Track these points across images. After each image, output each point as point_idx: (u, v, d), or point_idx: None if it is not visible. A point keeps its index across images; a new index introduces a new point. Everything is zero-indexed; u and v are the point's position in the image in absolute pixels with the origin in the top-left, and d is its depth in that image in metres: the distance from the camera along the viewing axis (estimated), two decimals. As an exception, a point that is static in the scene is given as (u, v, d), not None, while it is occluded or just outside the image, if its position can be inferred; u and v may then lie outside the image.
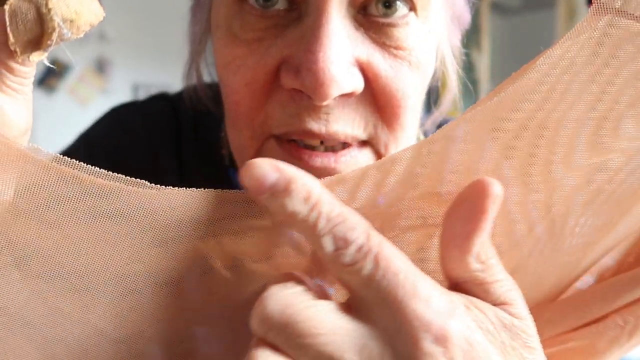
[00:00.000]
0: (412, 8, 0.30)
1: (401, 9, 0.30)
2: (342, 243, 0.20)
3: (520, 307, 0.23)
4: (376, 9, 0.30)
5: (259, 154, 0.32)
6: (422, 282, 0.20)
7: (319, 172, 0.28)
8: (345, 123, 0.30)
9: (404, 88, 0.30)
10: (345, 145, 0.31)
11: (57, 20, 0.21)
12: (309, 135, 0.30)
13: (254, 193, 0.21)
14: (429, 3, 0.31)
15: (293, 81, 0.29)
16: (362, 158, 0.31)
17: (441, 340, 0.20)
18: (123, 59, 2.71)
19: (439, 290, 0.21)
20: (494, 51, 2.73)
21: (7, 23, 0.21)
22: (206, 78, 0.45)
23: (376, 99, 0.31)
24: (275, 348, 0.20)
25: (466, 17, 0.39)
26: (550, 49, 0.23)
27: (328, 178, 0.23)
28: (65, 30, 0.21)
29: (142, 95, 2.79)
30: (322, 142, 0.30)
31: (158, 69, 2.82)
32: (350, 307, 0.21)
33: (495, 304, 0.22)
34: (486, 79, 2.68)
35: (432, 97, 0.42)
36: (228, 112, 0.33)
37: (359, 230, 0.20)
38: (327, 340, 0.20)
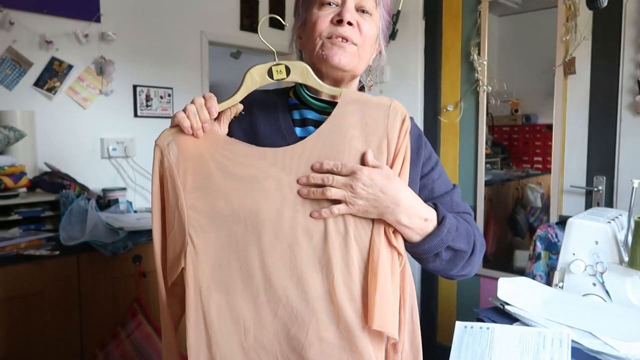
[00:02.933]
0: (368, 11, 0.98)
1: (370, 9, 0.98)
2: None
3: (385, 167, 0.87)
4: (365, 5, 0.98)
5: (322, 48, 0.95)
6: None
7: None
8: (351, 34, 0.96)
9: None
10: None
11: None
12: (340, 36, 0.94)
13: None
14: (375, 9, 0.98)
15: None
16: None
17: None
18: (123, 59, 2.71)
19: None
20: (494, 51, 2.74)
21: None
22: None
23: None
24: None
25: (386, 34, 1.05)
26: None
27: None
28: None
29: (142, 95, 2.79)
30: (346, 40, 0.94)
31: (158, 69, 2.82)
32: None
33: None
34: (486, 79, 2.69)
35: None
36: (311, 47, 0.97)
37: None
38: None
